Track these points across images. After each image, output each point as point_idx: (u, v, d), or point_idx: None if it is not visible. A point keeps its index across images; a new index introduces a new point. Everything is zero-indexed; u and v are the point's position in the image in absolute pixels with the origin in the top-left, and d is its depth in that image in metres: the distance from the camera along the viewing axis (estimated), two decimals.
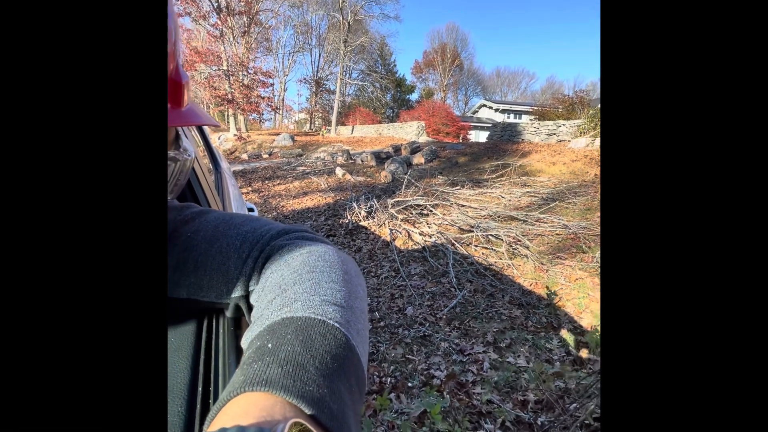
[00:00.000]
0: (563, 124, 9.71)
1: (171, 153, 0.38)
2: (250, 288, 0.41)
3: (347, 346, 0.31)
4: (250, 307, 0.41)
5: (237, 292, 0.41)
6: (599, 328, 2.48)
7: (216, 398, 0.36)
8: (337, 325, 0.31)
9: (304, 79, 27.71)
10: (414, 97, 34.14)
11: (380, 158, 9.32)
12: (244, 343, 0.33)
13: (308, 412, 0.24)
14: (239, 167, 9.75)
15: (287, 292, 0.35)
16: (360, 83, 28.37)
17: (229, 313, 0.43)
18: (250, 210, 1.80)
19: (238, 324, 0.46)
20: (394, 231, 4.49)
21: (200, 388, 0.37)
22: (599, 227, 0.32)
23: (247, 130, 19.75)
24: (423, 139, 14.01)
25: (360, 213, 5.12)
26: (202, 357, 0.40)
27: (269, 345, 0.28)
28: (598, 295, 2.89)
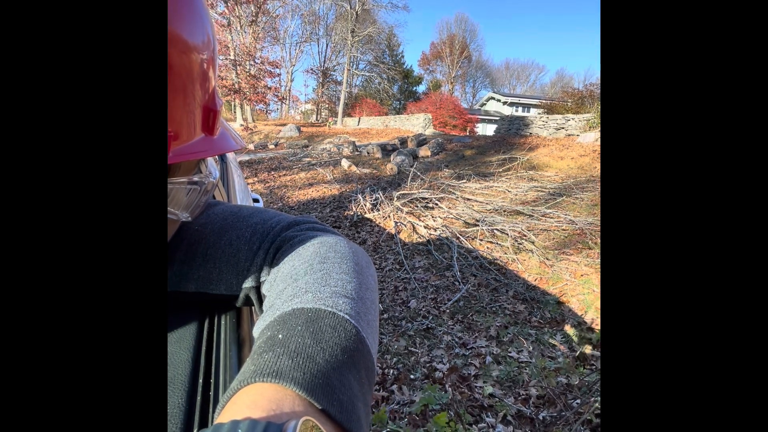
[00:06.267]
0: (572, 118, 9.59)
1: (195, 178, 0.36)
2: (262, 279, 0.41)
3: (357, 338, 0.31)
4: (260, 298, 0.41)
5: (248, 283, 0.41)
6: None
7: (216, 390, 0.36)
8: (348, 317, 0.31)
9: (311, 69, 27.58)
10: (421, 88, 33.90)
11: (386, 150, 9.28)
12: (256, 331, 0.33)
13: (318, 405, 0.24)
14: (245, 157, 9.78)
15: (298, 282, 0.35)
16: (367, 74, 28.17)
17: (238, 303, 0.43)
18: (255, 201, 1.80)
19: (240, 316, 0.46)
20: (398, 224, 4.49)
21: (201, 380, 0.37)
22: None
23: (253, 121, 19.79)
24: (429, 131, 13.93)
25: (365, 205, 5.12)
26: (204, 349, 0.40)
27: (280, 336, 0.29)
28: None
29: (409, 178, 6.25)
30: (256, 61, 18.15)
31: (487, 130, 21.25)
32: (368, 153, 9.32)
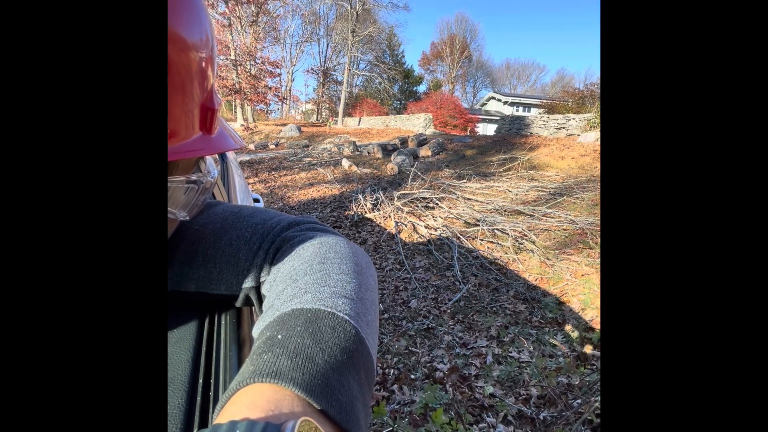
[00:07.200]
0: (573, 118, 9.58)
1: (193, 177, 0.36)
2: (262, 279, 0.41)
3: (357, 338, 0.31)
4: (260, 298, 0.41)
5: (248, 283, 0.41)
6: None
7: (216, 390, 0.36)
8: (347, 318, 0.31)
9: (312, 69, 27.60)
10: (422, 88, 33.91)
11: (387, 150, 9.28)
12: (255, 332, 0.33)
13: (317, 405, 0.24)
14: (246, 157, 9.79)
15: (298, 283, 0.35)
16: (367, 74, 28.17)
17: (238, 304, 0.43)
18: (256, 201, 1.80)
19: (240, 316, 0.46)
20: (399, 223, 4.49)
21: (201, 380, 0.37)
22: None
23: (254, 121, 19.83)
24: (430, 131, 13.92)
25: (366, 205, 5.12)
26: (204, 349, 0.40)
27: (279, 336, 0.28)
28: None
29: (410, 178, 6.25)
30: (257, 61, 18.16)
31: (488, 129, 21.25)
32: (369, 153, 9.32)
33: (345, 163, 8.08)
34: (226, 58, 17.11)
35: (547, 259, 3.56)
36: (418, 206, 4.99)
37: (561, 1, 76.22)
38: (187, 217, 0.37)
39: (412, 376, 2.09)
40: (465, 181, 6.33)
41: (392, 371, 2.13)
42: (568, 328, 2.60)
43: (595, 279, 3.11)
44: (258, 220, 0.44)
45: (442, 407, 1.75)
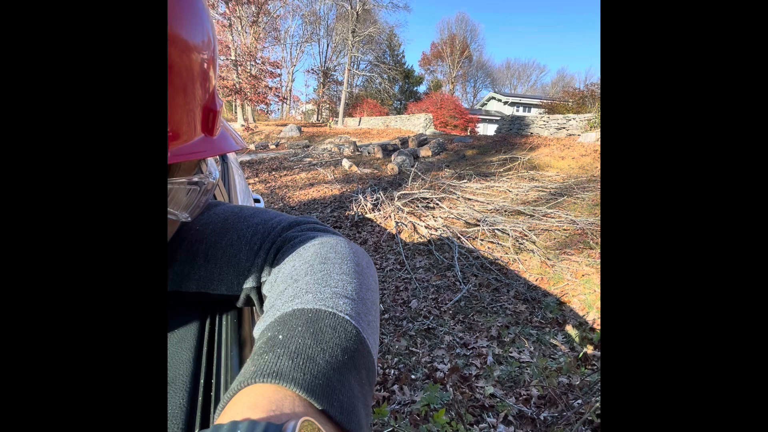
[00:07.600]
0: (573, 118, 9.57)
1: (195, 178, 0.36)
2: (262, 279, 0.41)
3: (358, 338, 0.31)
4: (261, 299, 0.41)
5: (249, 284, 0.41)
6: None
7: (217, 390, 0.36)
8: (348, 318, 0.31)
9: (312, 69, 27.63)
10: (422, 88, 33.93)
11: (387, 150, 9.28)
12: (256, 332, 0.33)
13: (318, 405, 0.24)
14: (246, 158, 9.80)
15: (298, 283, 0.35)
16: (368, 74, 28.19)
17: (239, 304, 0.43)
18: (257, 201, 1.80)
19: (241, 317, 0.46)
20: (399, 224, 4.49)
21: (202, 380, 0.37)
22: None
23: (254, 121, 19.84)
24: (430, 131, 13.91)
25: (366, 205, 5.12)
26: (205, 349, 0.40)
27: (280, 336, 0.29)
28: None
29: (410, 178, 6.24)
30: (257, 61, 18.16)
31: (488, 130, 21.26)
32: (369, 153, 9.32)
33: (345, 163, 8.08)
34: (227, 59, 17.12)
35: (548, 259, 3.55)
36: (418, 206, 4.99)
37: (561, 1, 76.21)
38: (189, 218, 0.37)
39: (413, 377, 2.09)
40: (465, 181, 6.33)
41: (393, 371, 2.13)
42: (568, 328, 2.60)
43: (596, 279, 3.11)
44: (259, 220, 0.45)
45: (444, 408, 1.75)
